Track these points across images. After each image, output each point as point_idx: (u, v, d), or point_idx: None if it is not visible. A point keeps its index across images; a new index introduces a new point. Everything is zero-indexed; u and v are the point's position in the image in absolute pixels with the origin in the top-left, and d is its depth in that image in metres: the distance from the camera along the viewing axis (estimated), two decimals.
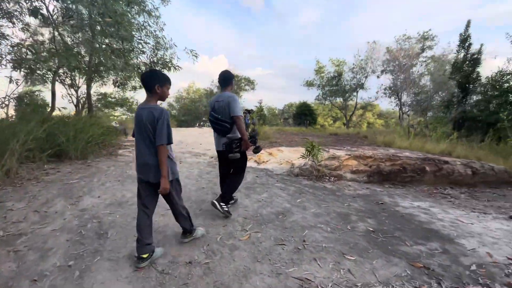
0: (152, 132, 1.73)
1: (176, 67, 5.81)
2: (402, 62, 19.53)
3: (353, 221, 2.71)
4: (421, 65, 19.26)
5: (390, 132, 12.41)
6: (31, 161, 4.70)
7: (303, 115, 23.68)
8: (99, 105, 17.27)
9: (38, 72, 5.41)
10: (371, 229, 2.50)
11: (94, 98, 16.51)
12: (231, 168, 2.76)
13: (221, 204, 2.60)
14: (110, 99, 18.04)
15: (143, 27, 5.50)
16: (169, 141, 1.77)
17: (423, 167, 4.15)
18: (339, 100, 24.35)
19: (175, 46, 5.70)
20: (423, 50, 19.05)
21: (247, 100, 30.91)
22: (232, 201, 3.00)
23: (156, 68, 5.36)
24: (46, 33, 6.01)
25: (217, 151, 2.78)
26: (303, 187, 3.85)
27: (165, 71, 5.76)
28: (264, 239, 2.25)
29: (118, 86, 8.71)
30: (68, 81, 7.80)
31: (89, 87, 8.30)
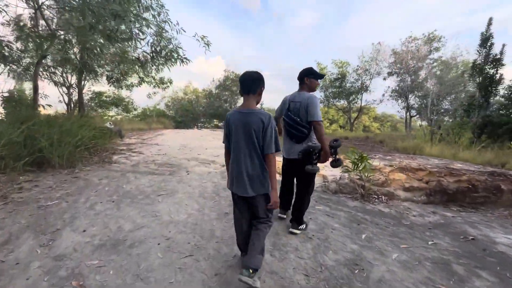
0: (258, 139, 1.55)
1: (184, 60, 4.70)
2: (410, 64, 18.97)
3: (462, 276, 1.85)
4: (429, 67, 18.71)
5: (405, 137, 11.69)
6: (2, 172, 3.73)
7: None
8: (92, 104, 16.16)
9: (14, 63, 4.43)
10: None
11: (87, 97, 15.42)
12: (297, 181, 2.44)
13: (299, 228, 2.37)
14: (104, 98, 16.91)
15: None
16: (277, 149, 1.59)
17: (498, 185, 3.33)
18: (342, 102, 23.69)
19: (183, 31, 4.58)
20: (430, 51, 18.52)
21: None
22: (303, 226, 2.43)
23: (160, 60, 4.41)
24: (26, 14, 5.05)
25: (287, 159, 2.45)
26: (355, 213, 2.98)
27: (169, 65, 4.79)
28: None
29: (113, 83, 7.73)
30: (56, 77, 6.83)
31: (80, 83, 7.32)
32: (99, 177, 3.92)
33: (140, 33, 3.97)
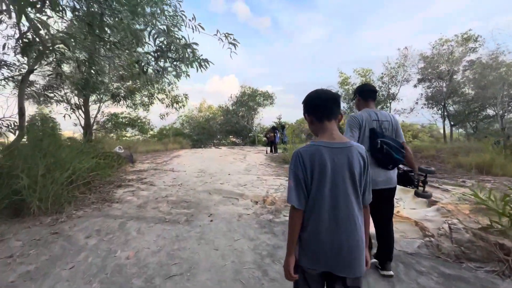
0: (361, 187, 1.05)
1: (203, 63, 3.35)
2: (443, 69, 17.22)
3: None
4: (465, 70, 16.83)
5: (459, 150, 9.83)
6: None
7: None
8: (109, 125, 15.85)
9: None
10: None
11: (103, 118, 15.14)
12: (382, 214, 1.98)
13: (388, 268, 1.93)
14: (121, 119, 16.58)
15: None
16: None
17: None
18: None
19: (201, 28, 3.36)
20: (466, 53, 16.71)
21: (265, 116, 28.99)
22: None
23: (166, 64, 3.26)
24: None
25: (380, 191, 1.84)
26: None
27: (182, 68, 3.63)
28: None
29: (118, 101, 6.86)
30: (60, 96, 6.07)
31: (86, 103, 6.51)
32: (87, 232, 2.75)
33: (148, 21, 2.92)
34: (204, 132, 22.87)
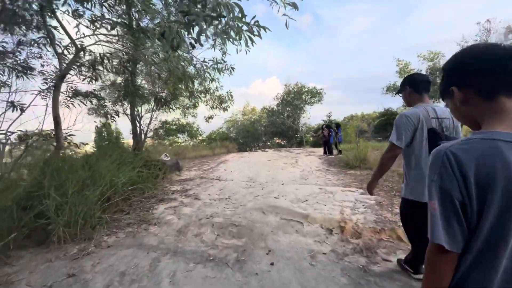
0: None
1: (257, 29, 2.26)
2: None
3: None
4: None
5: None
6: None
7: (388, 125, 18.58)
8: (161, 132, 16.76)
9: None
10: None
11: (156, 126, 16.04)
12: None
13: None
14: (171, 126, 17.44)
15: None
16: None
17: None
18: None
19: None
20: None
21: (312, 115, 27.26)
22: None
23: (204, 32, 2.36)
24: None
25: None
26: None
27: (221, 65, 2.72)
28: None
29: (162, 105, 6.52)
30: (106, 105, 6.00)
31: (132, 110, 6.33)
32: (109, 276, 2.05)
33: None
34: (249, 135, 22.49)
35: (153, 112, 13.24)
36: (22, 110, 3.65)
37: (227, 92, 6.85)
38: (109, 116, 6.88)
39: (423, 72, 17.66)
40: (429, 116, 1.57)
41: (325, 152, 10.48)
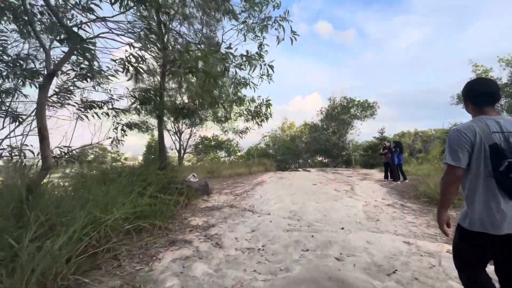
0: None
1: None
2: None
3: None
4: None
5: None
6: None
7: None
8: (200, 147, 16.65)
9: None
10: None
11: (194, 142, 15.99)
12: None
13: None
14: (209, 142, 17.26)
15: None
16: None
17: None
18: None
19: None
20: None
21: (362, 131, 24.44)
22: None
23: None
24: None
25: (499, 237, 1.24)
26: None
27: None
28: None
29: (220, 123, 5.66)
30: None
31: (160, 125, 5.62)
32: None
33: None
34: (289, 152, 20.98)
35: (193, 128, 12.94)
36: (20, 122, 2.99)
37: (263, 99, 5.71)
38: (143, 130, 6.40)
39: (504, 79, 14.20)
40: (489, 130, 1.30)
41: (385, 177, 8.41)
